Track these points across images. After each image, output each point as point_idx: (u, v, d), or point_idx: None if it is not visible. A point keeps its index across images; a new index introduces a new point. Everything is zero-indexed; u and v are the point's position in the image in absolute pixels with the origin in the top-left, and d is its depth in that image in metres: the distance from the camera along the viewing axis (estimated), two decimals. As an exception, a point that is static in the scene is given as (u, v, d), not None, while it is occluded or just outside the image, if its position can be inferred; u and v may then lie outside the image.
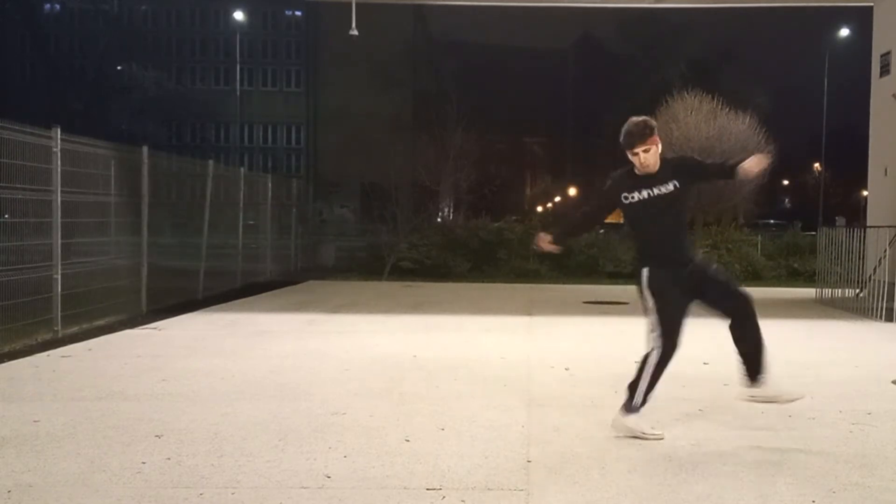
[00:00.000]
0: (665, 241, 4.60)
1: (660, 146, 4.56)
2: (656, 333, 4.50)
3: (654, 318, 4.52)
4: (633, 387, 4.53)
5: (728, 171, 4.64)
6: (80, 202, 8.88)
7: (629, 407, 4.51)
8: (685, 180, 4.58)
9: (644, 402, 4.51)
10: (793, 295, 13.81)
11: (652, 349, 4.50)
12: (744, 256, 18.16)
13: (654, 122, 4.65)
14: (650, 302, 4.54)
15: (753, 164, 4.46)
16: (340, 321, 9.70)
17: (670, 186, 4.52)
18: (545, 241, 4.88)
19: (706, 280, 4.61)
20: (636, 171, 4.59)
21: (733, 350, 4.68)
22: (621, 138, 4.57)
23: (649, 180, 4.54)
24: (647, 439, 4.45)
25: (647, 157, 4.50)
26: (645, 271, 4.57)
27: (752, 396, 4.65)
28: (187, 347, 7.56)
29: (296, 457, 4.13)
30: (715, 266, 4.95)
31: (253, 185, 15.52)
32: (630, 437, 4.47)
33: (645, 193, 4.54)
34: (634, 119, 4.62)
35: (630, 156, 4.54)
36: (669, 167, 4.59)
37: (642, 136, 4.50)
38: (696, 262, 4.71)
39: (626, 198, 4.59)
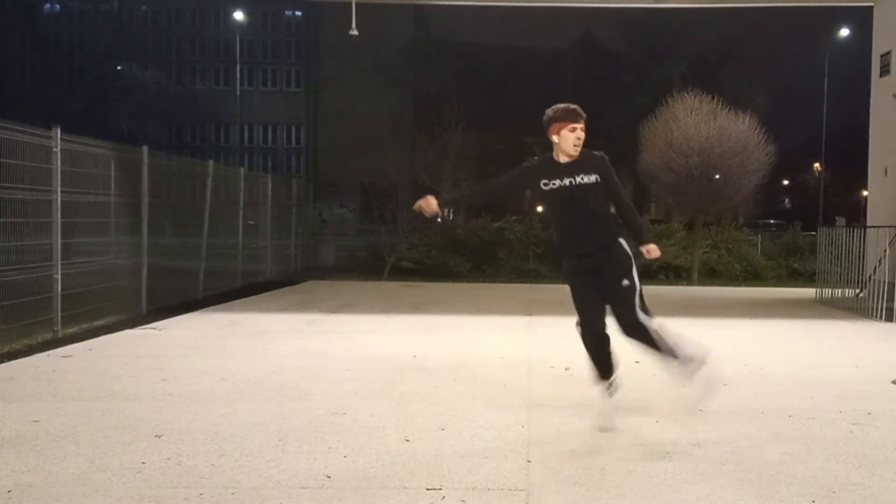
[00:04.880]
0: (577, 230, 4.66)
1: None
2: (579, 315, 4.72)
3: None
4: None
5: (637, 229, 4.78)
6: (80, 202, 8.87)
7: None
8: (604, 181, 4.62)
9: (596, 375, 4.80)
10: (793, 295, 13.82)
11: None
12: (744, 256, 18.16)
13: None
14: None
15: (652, 250, 4.70)
16: (340, 321, 9.70)
17: (593, 178, 4.57)
18: (430, 203, 4.73)
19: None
20: (554, 158, 4.64)
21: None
22: (562, 111, 4.60)
23: (570, 169, 4.58)
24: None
25: (580, 136, 4.57)
26: (563, 262, 4.76)
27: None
28: (187, 347, 7.56)
29: (296, 457, 4.13)
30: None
31: (253, 185, 15.51)
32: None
33: (567, 181, 4.57)
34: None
35: (566, 132, 4.55)
36: (593, 160, 4.63)
37: (581, 115, 4.60)
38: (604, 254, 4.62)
39: (546, 184, 4.61)
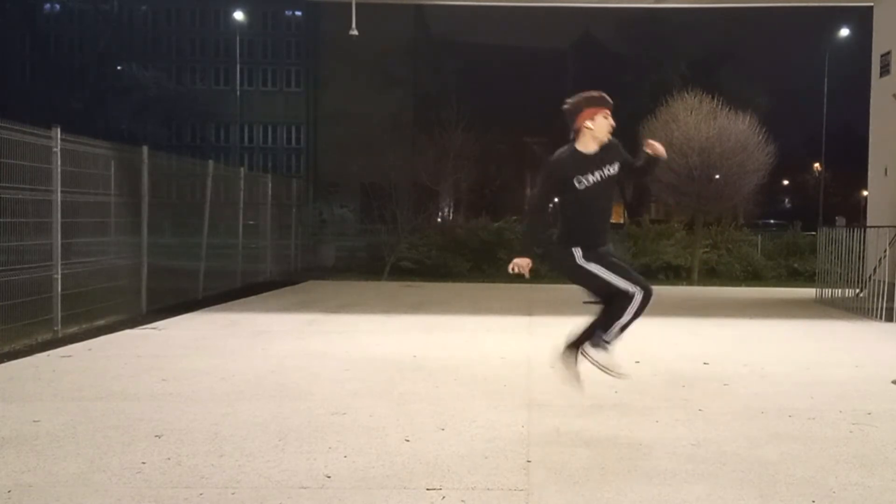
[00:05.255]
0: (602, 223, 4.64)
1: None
2: (632, 284, 4.52)
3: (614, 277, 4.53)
4: (606, 323, 4.60)
5: (645, 165, 4.67)
6: (80, 202, 8.87)
7: (599, 342, 4.64)
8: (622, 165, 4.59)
9: (610, 339, 4.64)
10: (793, 295, 13.81)
11: (635, 292, 4.52)
12: (744, 256, 18.16)
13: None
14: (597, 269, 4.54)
15: (658, 148, 4.57)
16: (340, 321, 9.70)
17: (616, 167, 4.54)
18: (525, 265, 4.72)
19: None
20: (581, 150, 4.51)
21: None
22: (598, 97, 4.52)
23: (597, 161, 4.49)
24: (611, 374, 4.67)
25: (613, 124, 4.53)
26: (577, 251, 4.55)
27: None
28: (187, 347, 7.56)
29: (296, 457, 4.13)
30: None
31: (253, 185, 15.51)
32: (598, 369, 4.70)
33: (598, 175, 4.48)
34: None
35: (601, 118, 4.47)
36: (613, 148, 4.57)
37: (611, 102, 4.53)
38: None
39: (581, 181, 4.45)
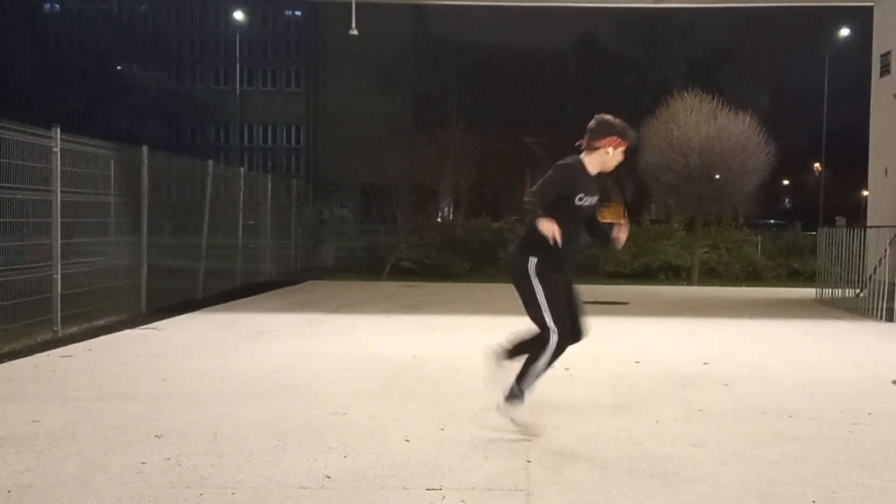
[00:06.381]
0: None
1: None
2: (557, 324, 4.47)
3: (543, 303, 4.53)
4: (525, 368, 4.49)
5: (605, 232, 4.63)
6: (80, 202, 8.87)
7: (515, 393, 4.46)
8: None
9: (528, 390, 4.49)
10: (793, 295, 13.81)
11: (550, 335, 4.45)
12: (744, 256, 18.16)
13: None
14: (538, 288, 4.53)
15: (620, 234, 4.54)
16: (340, 321, 9.70)
17: (596, 199, 4.56)
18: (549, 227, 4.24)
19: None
20: (586, 167, 4.50)
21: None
22: (629, 130, 4.51)
23: (592, 186, 4.51)
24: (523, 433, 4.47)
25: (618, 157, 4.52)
26: (533, 259, 4.49)
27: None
28: (187, 347, 7.56)
29: (296, 457, 4.13)
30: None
31: (253, 185, 15.51)
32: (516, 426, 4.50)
33: (591, 200, 4.49)
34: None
35: (619, 151, 4.48)
36: (600, 181, 4.60)
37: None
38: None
39: (582, 199, 4.42)
